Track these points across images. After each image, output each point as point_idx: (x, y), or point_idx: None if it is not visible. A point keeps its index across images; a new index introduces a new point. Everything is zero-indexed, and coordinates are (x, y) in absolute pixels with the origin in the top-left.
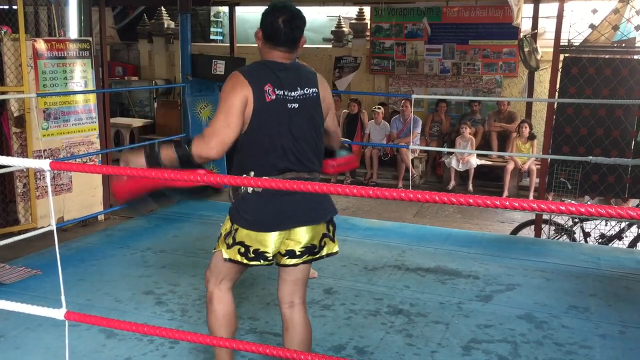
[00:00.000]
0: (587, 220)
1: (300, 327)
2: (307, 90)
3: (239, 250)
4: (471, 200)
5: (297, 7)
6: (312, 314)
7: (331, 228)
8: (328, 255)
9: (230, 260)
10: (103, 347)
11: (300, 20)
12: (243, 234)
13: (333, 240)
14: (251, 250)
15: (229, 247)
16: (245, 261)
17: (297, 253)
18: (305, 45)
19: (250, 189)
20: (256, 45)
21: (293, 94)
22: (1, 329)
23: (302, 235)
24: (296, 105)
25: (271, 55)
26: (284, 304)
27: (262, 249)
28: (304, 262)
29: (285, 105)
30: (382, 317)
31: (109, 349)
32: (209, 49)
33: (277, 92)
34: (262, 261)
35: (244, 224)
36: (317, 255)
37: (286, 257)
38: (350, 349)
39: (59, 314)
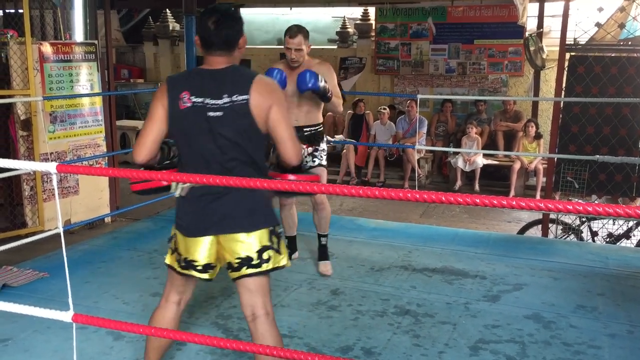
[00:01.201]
0: (595, 219)
1: (261, 342)
2: (235, 98)
3: (176, 257)
4: (478, 200)
5: (232, 8)
6: (319, 315)
7: (274, 239)
8: (274, 269)
9: (169, 266)
10: (111, 349)
11: (232, 19)
12: (178, 240)
13: (279, 253)
14: (182, 259)
15: (171, 252)
16: (178, 269)
17: (235, 265)
18: (310, 47)
19: (177, 193)
20: (262, 46)
21: (217, 102)
22: (10, 332)
23: (235, 245)
24: (220, 114)
25: (208, 61)
26: (247, 317)
27: (190, 257)
28: (248, 276)
29: (204, 114)
30: (389, 317)
31: (116, 351)
32: None
33: (193, 100)
34: (193, 272)
35: (177, 227)
36: (260, 269)
37: (229, 270)
38: (357, 349)
39: (66, 316)
